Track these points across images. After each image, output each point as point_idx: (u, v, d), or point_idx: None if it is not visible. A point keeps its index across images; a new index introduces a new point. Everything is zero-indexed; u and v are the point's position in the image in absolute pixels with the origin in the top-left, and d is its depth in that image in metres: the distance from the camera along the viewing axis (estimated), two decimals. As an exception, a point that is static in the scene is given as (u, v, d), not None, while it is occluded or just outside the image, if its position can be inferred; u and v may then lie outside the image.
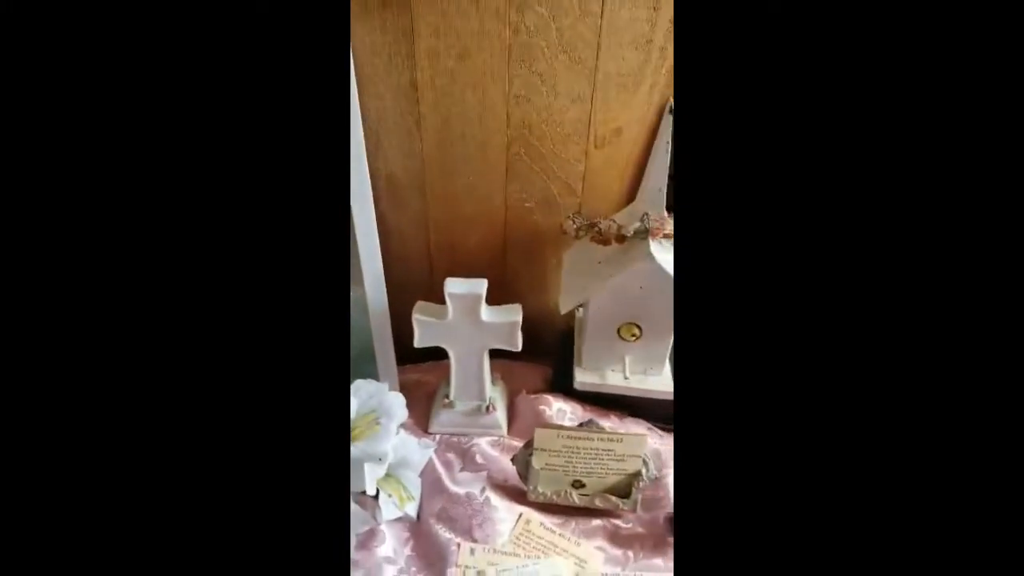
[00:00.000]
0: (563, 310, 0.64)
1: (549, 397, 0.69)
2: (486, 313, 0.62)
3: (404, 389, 0.71)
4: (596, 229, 0.59)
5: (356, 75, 0.55)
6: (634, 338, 0.65)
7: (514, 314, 0.63)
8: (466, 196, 0.69)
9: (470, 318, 0.62)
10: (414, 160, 0.65)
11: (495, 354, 0.68)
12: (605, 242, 0.60)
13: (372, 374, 0.68)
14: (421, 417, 0.70)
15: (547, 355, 0.77)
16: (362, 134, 0.57)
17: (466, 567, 0.54)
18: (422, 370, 0.76)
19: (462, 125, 0.63)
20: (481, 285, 0.61)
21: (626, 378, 0.67)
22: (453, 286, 0.61)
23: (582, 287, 0.63)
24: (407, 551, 0.56)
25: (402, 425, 0.64)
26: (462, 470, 0.64)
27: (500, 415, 0.69)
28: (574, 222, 0.62)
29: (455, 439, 0.68)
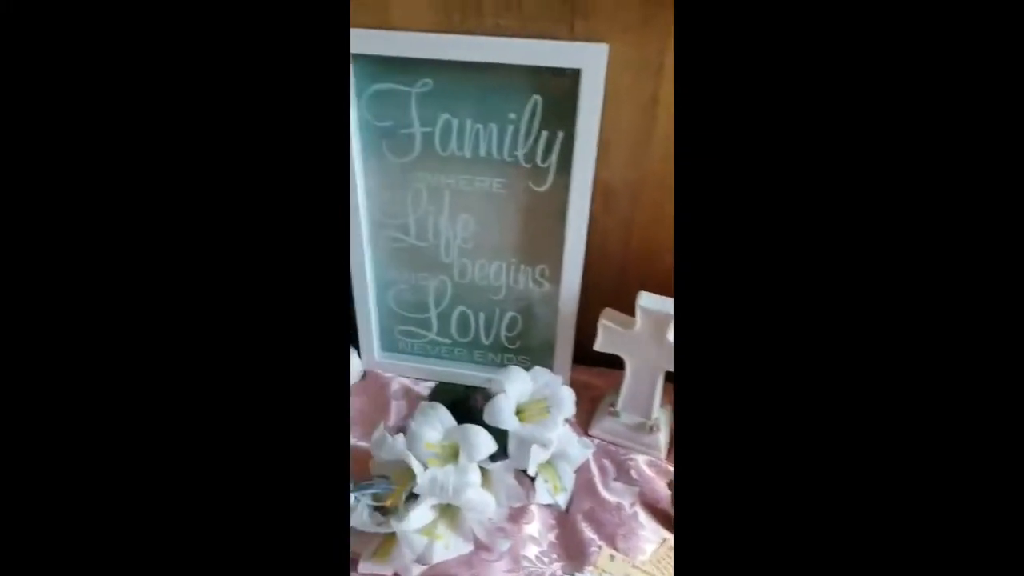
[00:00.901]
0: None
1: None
2: (673, 335, 0.62)
3: (572, 387, 0.73)
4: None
5: (605, 88, 0.58)
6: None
7: (702, 342, 0.62)
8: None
9: (655, 335, 0.63)
10: (636, 172, 0.67)
11: (671, 379, 0.68)
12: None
13: (548, 366, 0.72)
14: (583, 418, 0.72)
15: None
16: (595, 145, 0.61)
17: (603, 571, 0.55)
18: (593, 373, 0.78)
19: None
20: (673, 305, 0.61)
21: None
22: (646, 300, 0.62)
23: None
24: (551, 537, 0.59)
25: (566, 420, 0.67)
26: (616, 480, 0.65)
27: (662, 438, 0.69)
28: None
29: (612, 448, 0.69)
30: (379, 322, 0.76)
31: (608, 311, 0.66)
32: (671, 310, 0.61)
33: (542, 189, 0.64)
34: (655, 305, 0.62)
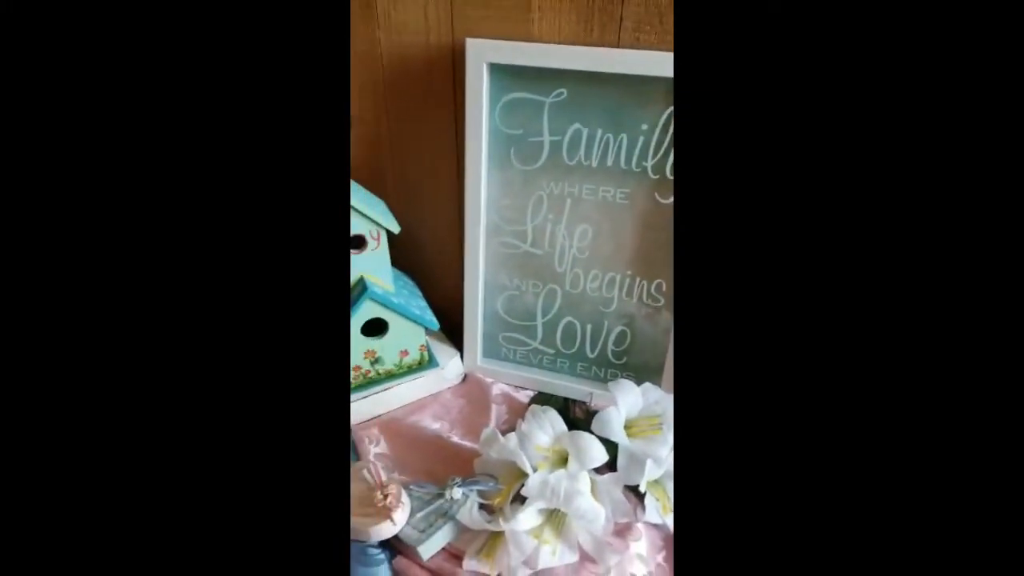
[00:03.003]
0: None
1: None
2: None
3: (674, 409, 0.71)
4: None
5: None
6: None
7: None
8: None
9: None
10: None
11: None
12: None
13: (656, 384, 0.70)
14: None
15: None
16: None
17: (717, 601, 0.52)
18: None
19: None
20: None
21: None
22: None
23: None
24: (659, 559, 0.57)
25: (675, 440, 0.65)
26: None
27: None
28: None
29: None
30: (484, 327, 0.77)
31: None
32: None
33: (668, 201, 0.63)
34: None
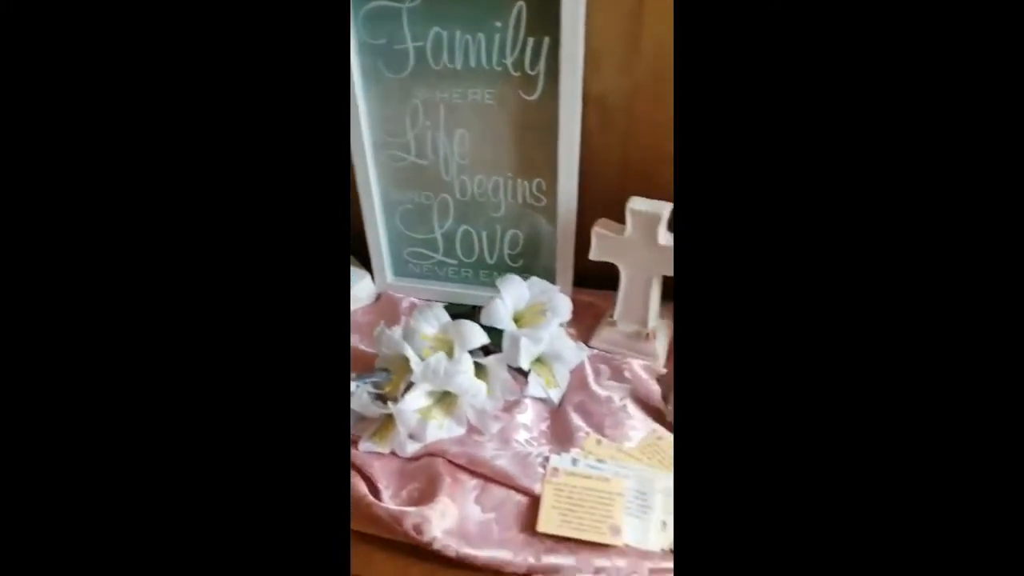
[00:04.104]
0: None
1: (712, 339, 0.68)
2: (664, 237, 0.64)
3: (576, 307, 0.75)
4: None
5: (585, -12, 0.59)
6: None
7: (691, 242, 0.63)
8: (670, 128, 0.70)
9: (647, 239, 0.64)
10: (628, 81, 0.68)
11: (669, 295, 0.69)
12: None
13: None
14: (585, 333, 0.74)
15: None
16: (582, 52, 0.62)
17: (588, 453, 0.58)
18: (596, 295, 0.80)
19: (679, 50, 0.64)
20: (664, 207, 0.63)
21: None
22: (636, 203, 0.63)
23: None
24: (542, 426, 0.62)
25: (566, 329, 0.69)
26: (609, 379, 0.67)
27: (660, 346, 0.70)
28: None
29: (611, 355, 0.71)
30: (389, 244, 0.80)
31: (602, 220, 0.68)
32: (661, 211, 0.62)
33: (532, 98, 0.66)
34: (645, 207, 0.63)
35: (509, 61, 0.64)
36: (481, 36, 0.63)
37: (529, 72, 0.64)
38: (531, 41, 0.63)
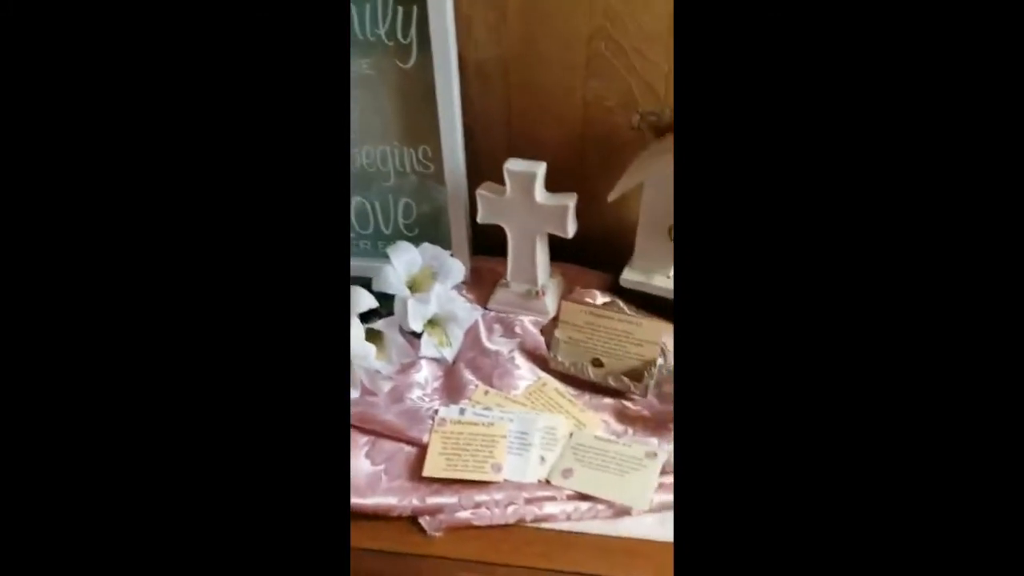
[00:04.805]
0: (609, 198, 0.66)
1: (597, 292, 0.73)
2: (541, 195, 0.67)
3: (476, 273, 0.78)
4: (653, 117, 0.60)
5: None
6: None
7: (567, 199, 0.66)
8: (547, 90, 0.73)
9: (526, 198, 0.67)
10: (500, 48, 0.70)
11: (563, 256, 0.73)
12: (660, 132, 0.60)
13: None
14: (485, 297, 0.77)
15: (620, 266, 0.79)
16: (452, 18, 0.64)
17: (477, 403, 0.61)
18: (496, 262, 0.83)
19: (546, 16, 0.67)
20: (538, 166, 0.66)
21: (668, 277, 0.68)
22: (512, 164, 0.66)
23: (630, 176, 0.64)
24: (436, 384, 0.65)
25: (459, 288, 0.72)
26: (501, 336, 0.70)
27: (549, 302, 0.74)
28: (639, 114, 0.63)
29: (505, 315, 0.74)
30: (284, 221, 0.80)
31: (486, 183, 0.70)
32: (536, 170, 0.66)
33: (408, 66, 0.67)
34: (521, 167, 0.66)
35: (382, 31, 0.65)
36: (352, 7, 0.64)
37: (402, 41, 0.66)
38: (400, 10, 0.64)
